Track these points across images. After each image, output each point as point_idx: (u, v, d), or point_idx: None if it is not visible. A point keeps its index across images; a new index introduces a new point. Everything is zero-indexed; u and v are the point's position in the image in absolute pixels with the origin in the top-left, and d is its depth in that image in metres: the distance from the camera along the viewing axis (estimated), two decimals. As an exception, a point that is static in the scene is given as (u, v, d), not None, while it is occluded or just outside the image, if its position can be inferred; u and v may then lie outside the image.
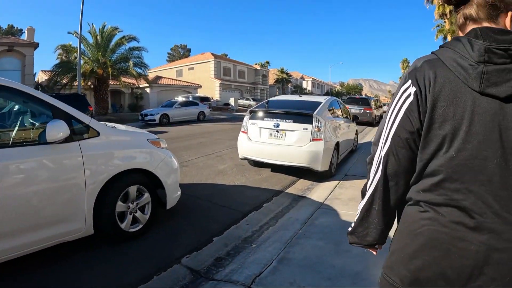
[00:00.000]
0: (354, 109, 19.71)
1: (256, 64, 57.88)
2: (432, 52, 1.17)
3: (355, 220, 1.32)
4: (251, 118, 7.08)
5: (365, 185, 1.28)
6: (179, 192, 4.52)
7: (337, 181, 6.53)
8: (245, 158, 7.30)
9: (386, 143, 1.18)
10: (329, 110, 7.32)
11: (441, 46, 1.16)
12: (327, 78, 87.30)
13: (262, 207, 5.20)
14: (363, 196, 1.29)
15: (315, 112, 6.47)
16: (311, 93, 66.66)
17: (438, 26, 32.07)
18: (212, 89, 44.84)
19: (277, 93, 55.50)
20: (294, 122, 6.55)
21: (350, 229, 1.35)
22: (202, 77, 45.41)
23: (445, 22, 30.30)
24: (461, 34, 1.19)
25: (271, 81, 58.59)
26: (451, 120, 1.05)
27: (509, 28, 1.10)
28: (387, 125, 1.19)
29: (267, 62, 63.01)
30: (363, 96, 35.59)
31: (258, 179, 6.84)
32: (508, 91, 0.98)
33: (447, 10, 29.27)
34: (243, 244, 3.86)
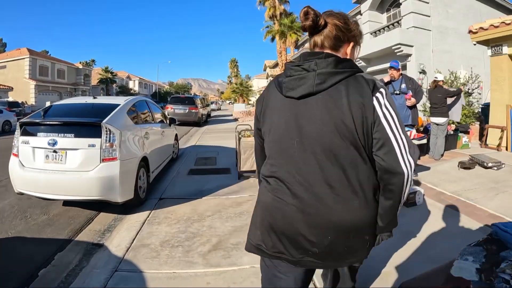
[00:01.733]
0: (178, 109, 18.50)
1: (80, 62, 51.07)
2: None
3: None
4: (23, 133, 4.66)
5: None
6: None
7: (147, 212, 4.74)
8: (21, 193, 4.79)
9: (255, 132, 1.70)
10: (131, 115, 5.42)
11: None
12: (156, 78, 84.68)
13: (38, 277, 3.21)
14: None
15: (104, 121, 4.50)
16: (137, 94, 64.53)
17: (267, 27, 32.78)
18: (27, 91, 37.25)
19: (101, 94, 50.68)
20: (76, 136, 4.45)
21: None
22: (16, 77, 37.34)
23: (274, 23, 31.39)
24: None
25: (94, 81, 52.76)
26: (269, 118, 1.52)
27: (348, 55, 1.50)
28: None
29: (93, 61, 57.31)
30: (190, 95, 34.64)
31: (43, 221, 4.59)
32: (299, 93, 1.39)
33: (277, 13, 30.47)
34: None
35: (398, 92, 5.76)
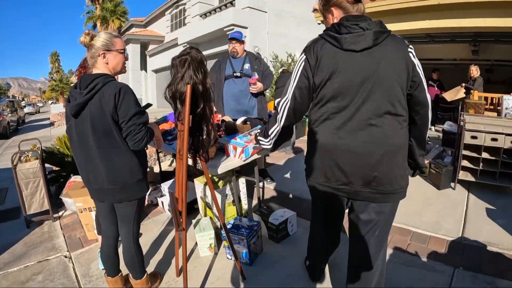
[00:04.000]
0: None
1: None
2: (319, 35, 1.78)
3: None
4: None
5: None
6: None
7: None
8: None
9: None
10: None
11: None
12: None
13: None
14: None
15: None
16: None
17: (88, 12, 27.89)
18: None
19: None
20: None
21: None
22: None
23: (96, 8, 27.08)
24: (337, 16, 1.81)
25: None
26: (328, 68, 1.66)
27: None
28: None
29: None
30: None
31: None
32: (361, 47, 1.60)
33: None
34: None
35: (239, 74, 4.28)
